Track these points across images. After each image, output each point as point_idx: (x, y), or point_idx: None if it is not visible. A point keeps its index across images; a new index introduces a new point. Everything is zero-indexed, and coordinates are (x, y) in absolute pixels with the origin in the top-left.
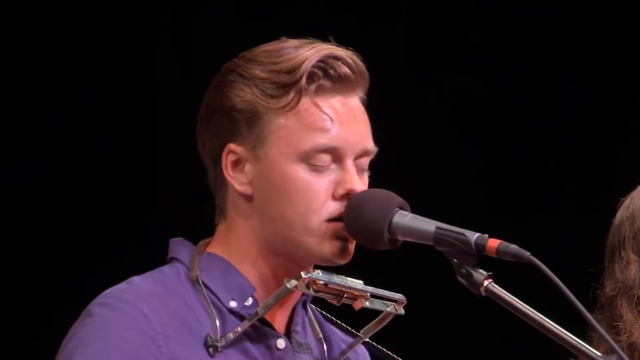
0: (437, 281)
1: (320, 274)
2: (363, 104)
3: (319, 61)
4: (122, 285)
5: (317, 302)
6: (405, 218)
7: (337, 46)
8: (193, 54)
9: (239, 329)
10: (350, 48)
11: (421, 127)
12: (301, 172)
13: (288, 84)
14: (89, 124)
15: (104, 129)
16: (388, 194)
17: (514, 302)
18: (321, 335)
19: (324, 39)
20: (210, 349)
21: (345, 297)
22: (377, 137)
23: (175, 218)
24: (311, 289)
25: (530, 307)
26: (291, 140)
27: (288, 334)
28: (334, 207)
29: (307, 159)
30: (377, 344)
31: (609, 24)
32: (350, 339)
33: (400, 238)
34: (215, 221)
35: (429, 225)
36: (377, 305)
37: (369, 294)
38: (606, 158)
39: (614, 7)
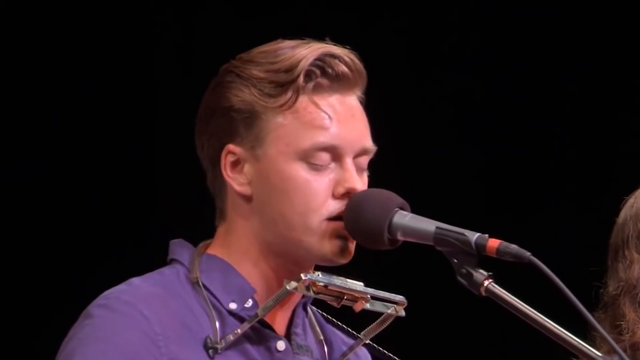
0: (437, 282)
1: (320, 275)
2: (361, 103)
3: (316, 59)
4: (121, 287)
5: (318, 303)
6: (405, 218)
7: (335, 45)
8: (193, 54)
9: (239, 330)
10: (347, 47)
11: (421, 127)
12: (300, 171)
13: (286, 83)
14: (89, 124)
15: (104, 129)
16: (388, 193)
17: (514, 302)
18: (322, 337)
19: (322, 39)
20: (210, 351)
21: (346, 299)
22: (377, 137)
23: (176, 219)
24: (311, 291)
25: (531, 307)
26: (290, 139)
27: (288, 336)
28: (334, 206)
29: (306, 157)
30: (378, 345)
31: (609, 24)
32: (351, 341)
33: (400, 238)
34: (215, 223)
35: (429, 225)
36: (378, 307)
37: (369, 296)
38: (606, 158)
39: (614, 7)
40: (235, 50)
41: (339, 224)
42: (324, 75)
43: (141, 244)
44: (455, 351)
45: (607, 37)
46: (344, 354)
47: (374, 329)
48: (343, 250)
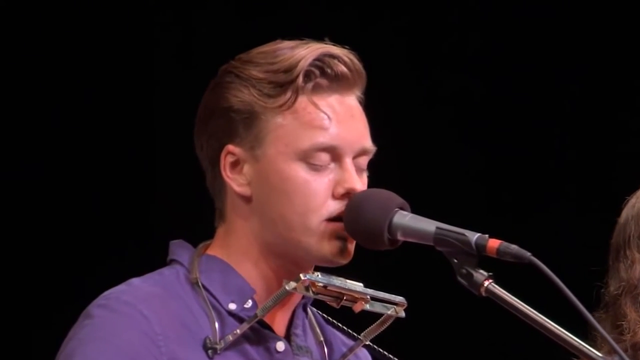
0: (438, 282)
1: (320, 276)
2: (361, 103)
3: (315, 59)
4: (121, 287)
5: (318, 304)
6: (405, 218)
7: (334, 45)
8: (193, 54)
9: (238, 331)
10: (347, 47)
11: (421, 127)
12: (300, 171)
13: (285, 83)
14: (89, 124)
15: (104, 129)
16: (388, 194)
17: (514, 302)
18: (322, 338)
19: (321, 39)
20: (209, 351)
21: (345, 300)
22: (376, 137)
23: (175, 219)
24: (310, 291)
25: (531, 307)
26: (289, 140)
27: (288, 337)
28: (333, 207)
29: (306, 157)
30: (378, 346)
31: (609, 24)
32: (351, 342)
33: (400, 238)
34: (214, 224)
35: (429, 225)
36: (378, 307)
37: (369, 297)
38: (606, 158)
39: (614, 7)
40: (235, 51)
41: (338, 225)
42: (323, 76)
43: (141, 244)
44: (455, 352)
45: (607, 37)
46: (344, 355)
47: (373, 330)
48: (342, 251)
